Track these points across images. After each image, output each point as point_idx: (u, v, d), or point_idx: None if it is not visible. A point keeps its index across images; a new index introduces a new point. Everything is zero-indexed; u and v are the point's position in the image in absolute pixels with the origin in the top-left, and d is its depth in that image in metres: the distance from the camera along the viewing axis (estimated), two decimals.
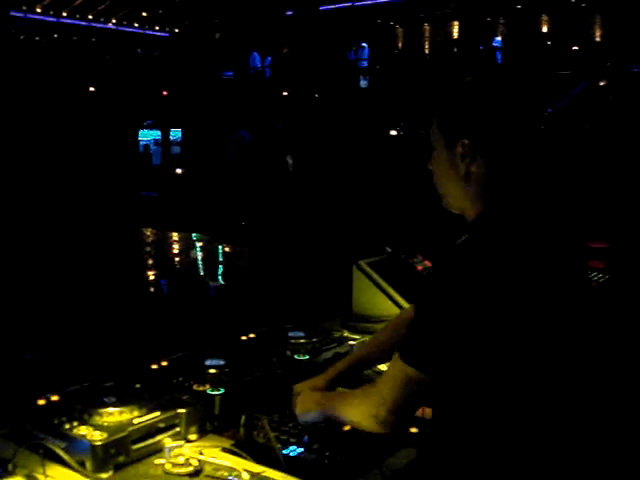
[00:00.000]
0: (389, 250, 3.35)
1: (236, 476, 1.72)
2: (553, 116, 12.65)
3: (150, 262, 10.98)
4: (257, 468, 1.78)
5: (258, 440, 1.95)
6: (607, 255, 4.37)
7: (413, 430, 2.02)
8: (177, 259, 11.54)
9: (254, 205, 12.94)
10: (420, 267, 3.41)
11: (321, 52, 18.28)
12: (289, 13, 19.20)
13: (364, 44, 19.23)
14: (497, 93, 1.66)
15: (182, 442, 1.88)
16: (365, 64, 19.05)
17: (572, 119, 12.24)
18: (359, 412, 1.70)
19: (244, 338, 2.64)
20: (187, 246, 12.13)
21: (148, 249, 12.13)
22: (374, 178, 12.25)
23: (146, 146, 19.41)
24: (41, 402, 1.98)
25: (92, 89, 18.71)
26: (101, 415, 1.87)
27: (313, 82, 17.50)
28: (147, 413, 1.91)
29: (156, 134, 19.72)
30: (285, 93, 17.82)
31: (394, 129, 14.13)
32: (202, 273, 9.78)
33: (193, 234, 12.39)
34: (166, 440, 1.87)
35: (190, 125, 18.77)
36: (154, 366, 2.30)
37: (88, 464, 1.75)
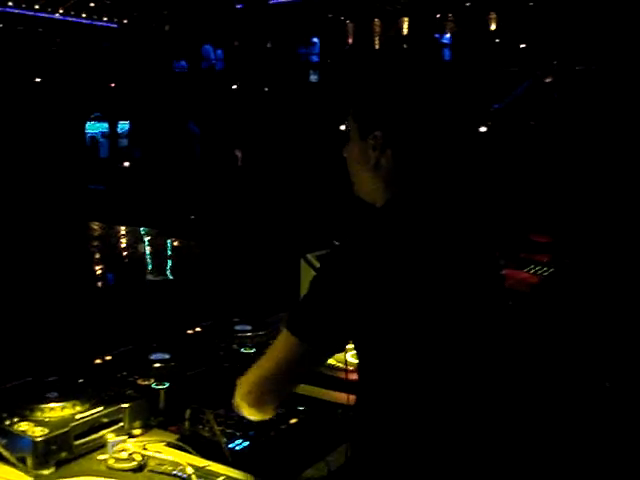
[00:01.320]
0: (337, 243, 3.35)
1: (180, 470, 1.72)
2: (499, 112, 12.84)
3: (97, 256, 10.83)
4: (202, 462, 1.78)
5: (203, 434, 1.94)
6: (551, 249, 4.46)
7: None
8: (124, 253, 11.39)
9: (203, 199, 12.84)
10: None
11: (272, 46, 18.23)
12: (240, 6, 19.08)
13: (315, 39, 19.23)
14: (411, 87, 1.69)
15: (125, 437, 1.87)
16: (316, 59, 19.06)
17: (518, 115, 12.44)
18: (240, 387, 1.64)
19: (190, 332, 2.62)
20: (134, 240, 11.99)
21: (95, 243, 11.95)
22: (322, 172, 12.29)
23: (93, 138, 19.10)
24: None
25: (38, 80, 18.32)
26: (42, 410, 1.84)
27: (264, 76, 17.43)
28: (90, 408, 1.89)
29: (104, 126, 19.41)
30: (234, 87, 17.73)
31: (343, 124, 14.18)
32: (149, 267, 9.68)
33: (141, 228, 12.25)
34: (109, 435, 1.85)
35: (138, 117, 18.54)
36: (98, 360, 2.27)
37: (29, 460, 1.72)
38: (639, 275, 4.38)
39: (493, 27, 19.15)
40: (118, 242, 12.17)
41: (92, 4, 22.69)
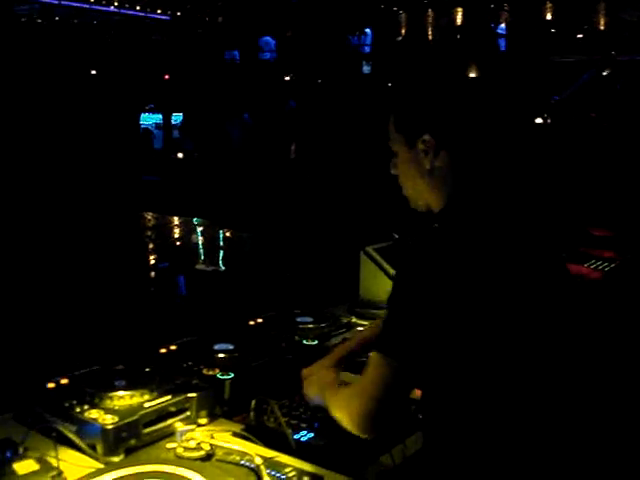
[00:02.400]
0: (396, 236, 3.34)
1: (248, 460, 1.72)
2: (559, 104, 12.59)
3: (156, 248, 10.93)
4: (269, 453, 1.78)
5: (268, 425, 1.95)
6: (611, 243, 4.35)
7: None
8: (182, 243, 11.50)
9: (257, 190, 12.91)
10: None
11: (324, 37, 18.17)
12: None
13: (367, 30, 19.11)
14: (455, 82, 1.69)
15: (194, 426, 1.88)
16: (368, 50, 18.95)
17: (578, 108, 12.19)
18: (342, 411, 1.66)
19: (252, 323, 2.63)
20: (197, 231, 12.06)
21: (152, 234, 12.09)
22: (379, 166, 12.24)
23: (147, 130, 19.34)
24: (51, 385, 1.98)
25: (94, 72, 18.63)
26: (112, 399, 1.87)
27: (316, 67, 17.40)
28: (158, 397, 1.91)
29: (158, 118, 19.64)
30: (287, 78, 17.74)
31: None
32: (209, 258, 9.73)
33: (199, 219, 12.32)
34: (177, 424, 1.87)
35: (191, 109, 18.70)
36: (163, 350, 2.29)
37: (99, 447, 1.75)
38: None
39: (549, 17, 18.79)
40: (178, 233, 12.30)
41: None
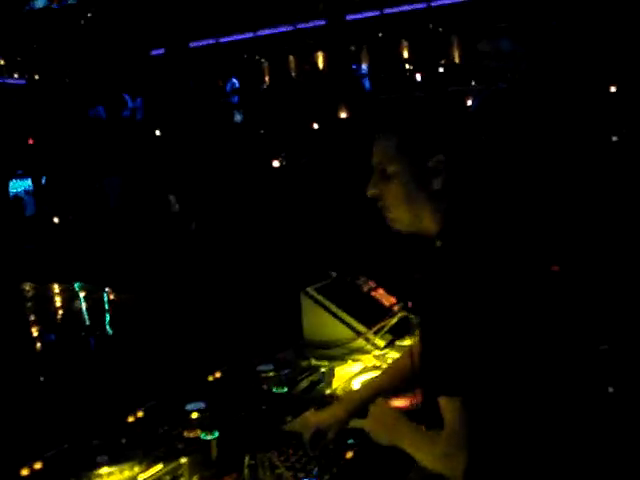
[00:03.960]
0: (334, 274, 3.32)
1: None
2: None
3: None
4: None
5: (266, 479, 1.86)
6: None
7: None
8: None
9: (142, 248, 12.56)
10: (366, 288, 3.40)
11: (192, 89, 18.17)
12: (157, 52, 18.96)
13: (234, 79, 19.27)
14: (448, 110, 1.72)
15: None
16: (237, 99, 19.08)
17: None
18: (435, 459, 1.56)
19: (211, 378, 2.52)
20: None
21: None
22: (262, 209, 12.22)
23: (17, 196, 18.50)
24: (25, 472, 1.81)
25: None
26: (101, 477, 1.73)
27: (187, 120, 17.30)
28: (148, 467, 1.78)
29: (27, 183, 18.84)
30: (158, 132, 17.54)
31: (276, 160, 14.22)
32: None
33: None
34: None
35: (58, 170, 18.08)
36: (131, 418, 2.16)
37: None
38: None
39: (406, 54, 19.64)
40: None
41: (1, 62, 22.17)
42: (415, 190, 1.64)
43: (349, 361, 2.88)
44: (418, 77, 17.50)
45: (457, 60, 18.17)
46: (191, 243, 12.47)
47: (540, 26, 14.73)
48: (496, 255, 1.56)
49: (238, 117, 18.36)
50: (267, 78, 21.52)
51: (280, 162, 14.01)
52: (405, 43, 19.54)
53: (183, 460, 1.82)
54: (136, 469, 1.77)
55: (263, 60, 21.44)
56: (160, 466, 1.78)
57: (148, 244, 12.83)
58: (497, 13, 15.99)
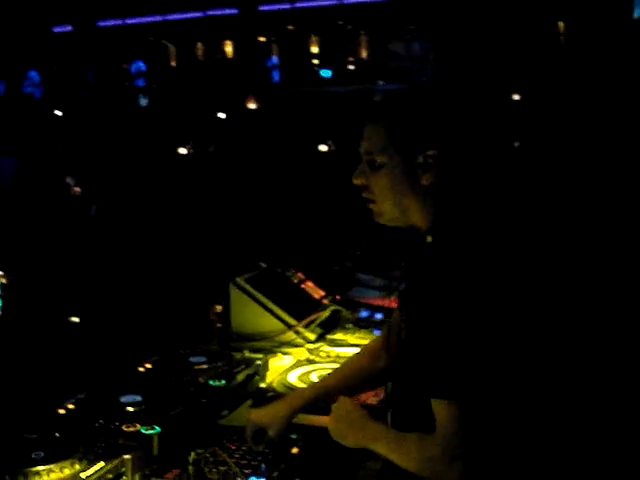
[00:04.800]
0: (264, 265, 3.27)
1: None
2: None
3: None
4: None
5: (212, 477, 1.80)
6: None
7: None
8: None
9: (38, 233, 12.04)
10: (296, 280, 3.36)
11: (97, 71, 17.57)
12: (61, 30, 18.21)
13: (140, 63, 18.76)
14: (450, 103, 1.67)
15: None
16: (142, 82, 18.59)
17: None
18: (423, 462, 1.48)
19: (142, 369, 2.42)
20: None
21: None
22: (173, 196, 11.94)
23: None
24: None
25: None
26: (40, 474, 1.61)
27: (92, 101, 16.72)
28: (89, 465, 1.68)
29: None
30: (59, 113, 16.88)
31: (183, 147, 13.92)
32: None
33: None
34: None
35: None
36: (61, 411, 2.04)
37: None
38: None
39: (315, 50, 19.67)
40: None
41: None
42: (404, 183, 1.58)
43: (279, 354, 2.85)
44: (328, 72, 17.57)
45: (365, 58, 18.34)
46: (91, 229, 12.06)
47: (450, 32, 15.07)
48: (493, 254, 1.54)
49: (143, 101, 17.89)
50: (174, 63, 21.11)
51: (188, 150, 13.74)
52: (314, 38, 19.59)
53: (127, 457, 1.73)
54: (77, 466, 1.66)
55: (170, 45, 21.01)
56: (102, 464, 1.69)
57: (44, 228, 12.34)
58: (408, 15, 16.24)
